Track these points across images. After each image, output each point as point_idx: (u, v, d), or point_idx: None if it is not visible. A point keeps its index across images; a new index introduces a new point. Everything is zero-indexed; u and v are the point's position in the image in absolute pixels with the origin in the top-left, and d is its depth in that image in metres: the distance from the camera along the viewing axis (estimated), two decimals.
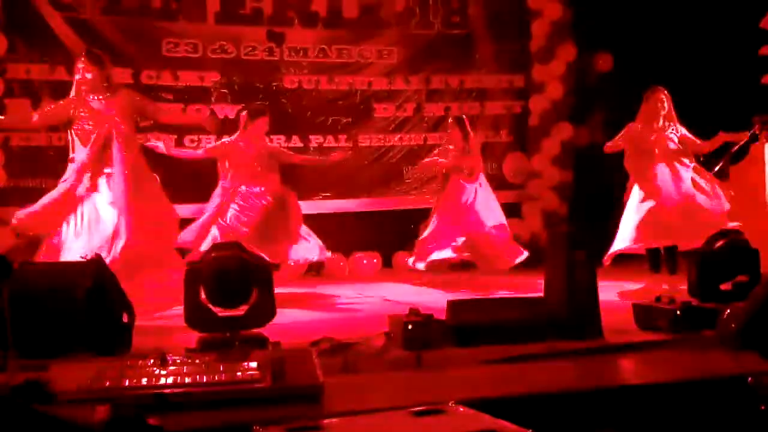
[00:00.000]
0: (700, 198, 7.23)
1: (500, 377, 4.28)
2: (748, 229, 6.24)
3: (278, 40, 9.43)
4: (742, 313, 2.86)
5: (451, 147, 8.37)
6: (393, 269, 9.48)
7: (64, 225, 6.21)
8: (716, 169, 7.31)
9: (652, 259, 7.42)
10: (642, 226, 7.13)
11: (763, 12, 9.19)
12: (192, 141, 9.07)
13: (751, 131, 7.65)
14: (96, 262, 4.76)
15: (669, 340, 4.95)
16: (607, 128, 10.10)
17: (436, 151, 9.30)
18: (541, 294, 5.32)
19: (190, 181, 8.18)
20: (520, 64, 10.26)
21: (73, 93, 6.59)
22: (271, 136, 9.05)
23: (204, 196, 7.62)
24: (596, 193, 9.51)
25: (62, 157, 8.31)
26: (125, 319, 4.54)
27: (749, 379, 3.66)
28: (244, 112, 7.65)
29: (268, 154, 7.57)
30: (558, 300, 4.99)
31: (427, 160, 9.11)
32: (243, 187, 7.32)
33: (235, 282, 4.63)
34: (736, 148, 7.55)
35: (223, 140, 7.66)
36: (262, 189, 7.36)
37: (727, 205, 7.24)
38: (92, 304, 4.31)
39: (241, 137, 7.42)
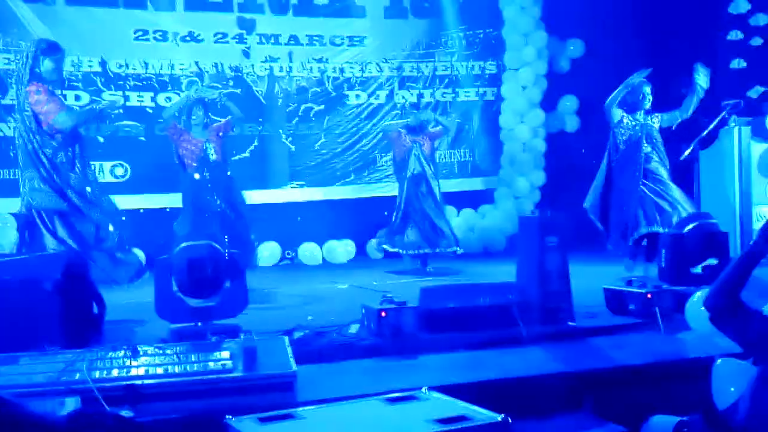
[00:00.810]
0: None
1: (473, 363, 4.31)
2: (717, 212, 6.31)
3: (249, 27, 9.36)
4: (709, 295, 2.89)
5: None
6: (367, 257, 9.49)
7: None
8: (686, 153, 7.37)
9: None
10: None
11: None
12: (161, 130, 8.98)
13: (720, 116, 7.73)
14: (67, 254, 4.71)
15: (640, 323, 5.00)
16: (578, 115, 10.19)
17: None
18: (514, 279, 5.33)
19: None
20: (492, 50, 10.27)
21: None
22: (243, 124, 9.01)
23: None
24: (567, 179, 9.57)
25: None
26: (96, 310, 4.50)
27: (717, 360, 3.70)
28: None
29: None
30: (530, 285, 5.01)
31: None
32: None
33: (206, 272, 4.60)
34: (705, 132, 7.62)
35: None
36: None
37: None
38: (62, 296, 4.26)
39: None
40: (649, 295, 5.02)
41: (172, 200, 8.82)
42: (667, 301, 5.02)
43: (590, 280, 5.80)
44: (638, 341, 4.74)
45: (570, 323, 4.97)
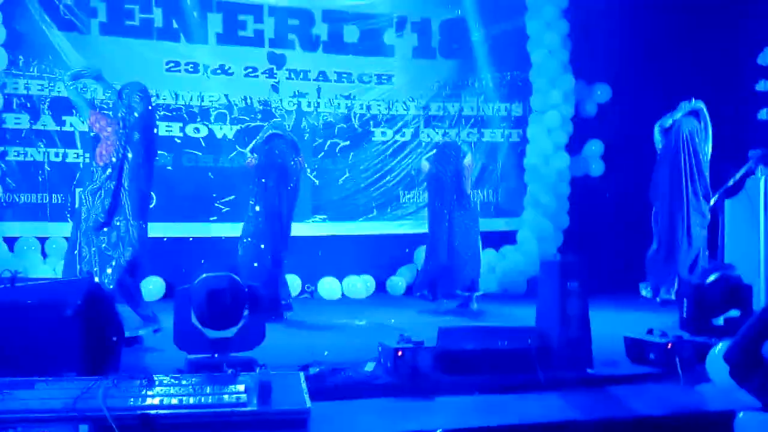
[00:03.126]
0: None
1: (489, 407, 4.26)
2: (741, 263, 6.23)
3: (279, 62, 9.48)
4: (730, 349, 2.85)
5: None
6: (386, 293, 9.46)
7: None
8: (711, 202, 7.32)
9: None
10: None
11: (760, 48, 9.27)
12: (188, 161, 9.11)
13: (747, 165, 7.68)
14: (88, 280, 4.74)
15: (659, 373, 4.93)
16: (603, 159, 10.17)
17: None
18: (533, 324, 5.29)
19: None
20: (518, 93, 10.31)
21: None
22: None
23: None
24: (592, 223, 9.53)
25: (59, 172, 8.39)
26: (114, 338, 4.51)
27: (739, 414, 3.64)
28: None
29: None
30: (550, 330, 4.97)
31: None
32: None
33: (225, 304, 4.60)
34: (732, 182, 7.57)
35: None
36: None
37: None
38: (82, 322, 4.28)
39: None
40: (669, 345, 4.96)
41: (196, 230, 8.93)
42: (687, 351, 4.95)
43: (610, 328, 5.74)
44: (657, 391, 4.67)
45: (589, 370, 4.91)
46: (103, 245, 5.69)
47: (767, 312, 2.81)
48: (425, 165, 8.29)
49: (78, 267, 5.63)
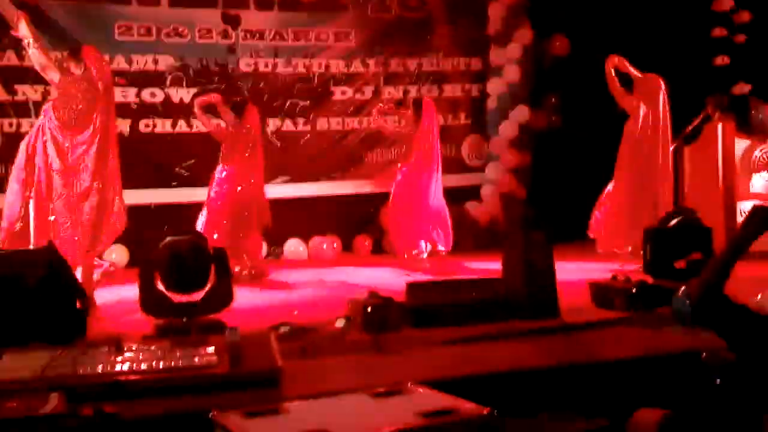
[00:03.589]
0: None
1: (459, 358, 4.31)
2: (701, 207, 6.34)
3: (234, 23, 9.31)
4: (693, 289, 2.89)
5: None
6: (353, 253, 9.47)
7: None
8: (671, 148, 7.40)
9: None
10: None
11: None
12: (146, 126, 8.96)
13: (705, 112, 7.78)
14: (49, 249, 4.68)
15: (625, 317, 5.02)
16: (562, 111, 10.21)
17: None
18: (499, 275, 5.34)
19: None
20: (477, 47, 10.27)
21: None
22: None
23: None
24: (553, 175, 9.59)
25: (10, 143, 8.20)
26: (79, 306, 4.47)
27: (703, 354, 3.72)
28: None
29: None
30: (516, 281, 5.02)
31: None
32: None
33: (191, 267, 4.58)
34: (690, 128, 7.66)
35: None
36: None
37: None
38: (45, 292, 4.23)
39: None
40: (633, 290, 5.04)
41: (157, 196, 8.80)
42: (651, 295, 5.04)
43: (575, 275, 5.82)
44: (623, 335, 4.76)
45: (555, 318, 4.98)
46: None
47: (727, 252, 2.85)
48: None
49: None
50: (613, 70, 7.50)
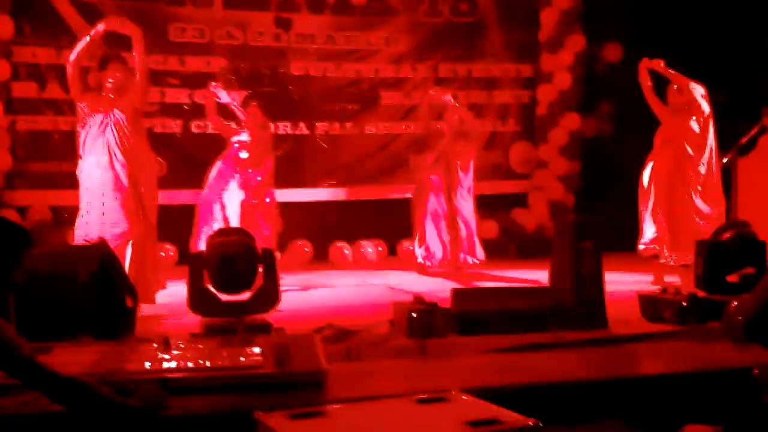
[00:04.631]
0: None
1: (504, 366, 4.27)
2: (756, 221, 6.20)
3: (286, 26, 9.40)
4: (747, 305, 2.82)
5: None
6: (398, 257, 9.47)
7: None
8: (724, 161, 7.25)
9: None
10: None
11: None
12: (198, 127, 9.06)
13: (761, 123, 7.60)
14: (100, 245, 4.76)
15: (674, 331, 4.93)
16: (614, 119, 10.09)
17: None
18: (547, 284, 5.29)
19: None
20: (528, 54, 10.21)
21: None
22: (277, 123, 9.09)
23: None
24: (603, 183, 9.48)
25: (67, 140, 8.34)
26: (129, 303, 4.53)
27: (754, 371, 3.63)
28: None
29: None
30: (564, 290, 4.96)
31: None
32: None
33: (239, 267, 4.61)
34: (745, 139, 7.49)
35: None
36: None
37: None
38: (96, 287, 4.30)
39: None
40: (684, 303, 4.95)
41: None
42: (702, 309, 4.94)
43: (624, 287, 5.74)
44: (673, 349, 4.67)
45: (603, 329, 4.91)
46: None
47: None
48: None
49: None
50: (648, 76, 7.28)
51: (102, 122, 5.65)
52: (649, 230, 7.12)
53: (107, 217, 5.55)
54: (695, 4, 9.33)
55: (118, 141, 5.65)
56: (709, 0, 9.25)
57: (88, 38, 5.89)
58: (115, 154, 5.62)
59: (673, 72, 7.20)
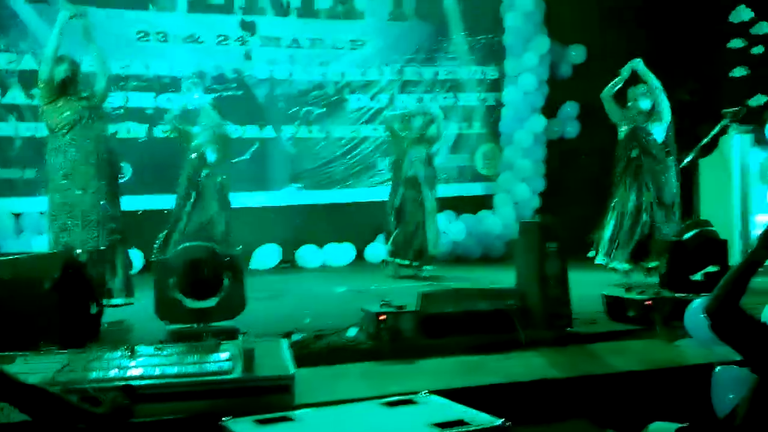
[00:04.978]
0: None
1: (471, 368, 4.29)
2: (717, 219, 6.30)
3: (251, 29, 9.36)
4: (709, 303, 2.86)
5: None
6: (366, 260, 9.47)
7: None
8: (685, 161, 7.36)
9: None
10: None
11: (732, 6, 9.28)
12: (163, 131, 8.98)
13: (720, 124, 7.73)
14: (64, 252, 4.70)
15: (638, 330, 4.99)
16: (578, 121, 10.18)
17: None
18: (513, 285, 5.32)
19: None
20: (493, 56, 10.27)
21: None
22: (244, 126, 9.06)
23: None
24: (568, 185, 9.56)
25: (31, 146, 8.22)
26: (93, 310, 4.48)
27: (716, 368, 3.69)
28: None
29: None
30: (529, 291, 5.00)
31: None
32: None
33: (205, 273, 4.58)
34: (705, 140, 7.61)
35: None
36: None
37: None
38: (60, 295, 4.25)
39: None
40: (648, 302, 5.01)
41: (171, 201, 8.81)
42: (666, 308, 5.01)
43: (588, 287, 5.78)
44: (637, 348, 4.73)
45: (569, 329, 4.95)
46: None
47: (744, 264, 2.83)
48: None
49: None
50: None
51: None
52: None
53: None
54: (657, 5, 9.46)
55: None
56: (669, 3, 9.38)
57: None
58: None
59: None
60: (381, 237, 9.37)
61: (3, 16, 8.31)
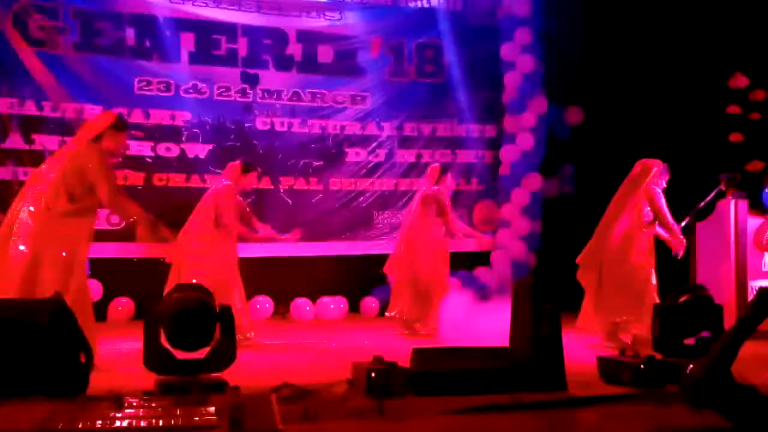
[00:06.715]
0: None
1: (462, 428, 4.23)
2: (712, 284, 6.28)
3: (252, 82, 9.46)
4: (698, 369, 2.84)
5: None
6: (359, 314, 9.42)
7: None
8: (683, 224, 7.37)
9: None
10: None
11: (730, 71, 9.41)
12: (160, 179, 9.03)
13: (718, 188, 7.76)
14: (54, 300, 4.66)
15: (632, 394, 4.93)
16: (576, 181, 10.24)
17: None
18: (506, 344, 5.28)
19: None
20: (492, 114, 10.38)
21: None
22: None
23: None
24: (564, 244, 9.55)
25: None
26: (82, 359, 4.43)
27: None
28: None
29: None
30: (522, 351, 4.96)
31: None
32: None
33: (195, 324, 4.54)
34: (703, 204, 7.63)
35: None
36: None
37: None
38: (48, 343, 4.20)
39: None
40: (642, 366, 4.96)
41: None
42: (660, 372, 4.96)
43: (583, 348, 5.75)
44: (631, 412, 4.66)
45: (562, 391, 4.90)
46: None
47: (734, 332, 2.81)
48: None
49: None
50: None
51: None
52: None
53: None
54: (655, 70, 9.59)
55: None
56: (666, 67, 9.51)
57: None
58: None
59: None
60: (375, 291, 9.36)
61: (5, 60, 8.40)
